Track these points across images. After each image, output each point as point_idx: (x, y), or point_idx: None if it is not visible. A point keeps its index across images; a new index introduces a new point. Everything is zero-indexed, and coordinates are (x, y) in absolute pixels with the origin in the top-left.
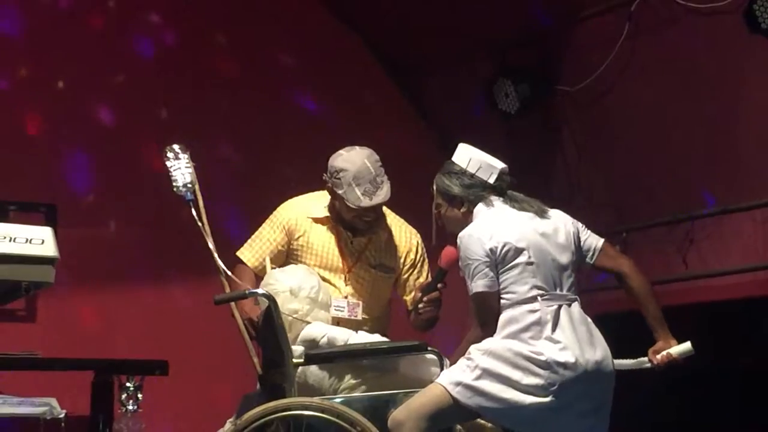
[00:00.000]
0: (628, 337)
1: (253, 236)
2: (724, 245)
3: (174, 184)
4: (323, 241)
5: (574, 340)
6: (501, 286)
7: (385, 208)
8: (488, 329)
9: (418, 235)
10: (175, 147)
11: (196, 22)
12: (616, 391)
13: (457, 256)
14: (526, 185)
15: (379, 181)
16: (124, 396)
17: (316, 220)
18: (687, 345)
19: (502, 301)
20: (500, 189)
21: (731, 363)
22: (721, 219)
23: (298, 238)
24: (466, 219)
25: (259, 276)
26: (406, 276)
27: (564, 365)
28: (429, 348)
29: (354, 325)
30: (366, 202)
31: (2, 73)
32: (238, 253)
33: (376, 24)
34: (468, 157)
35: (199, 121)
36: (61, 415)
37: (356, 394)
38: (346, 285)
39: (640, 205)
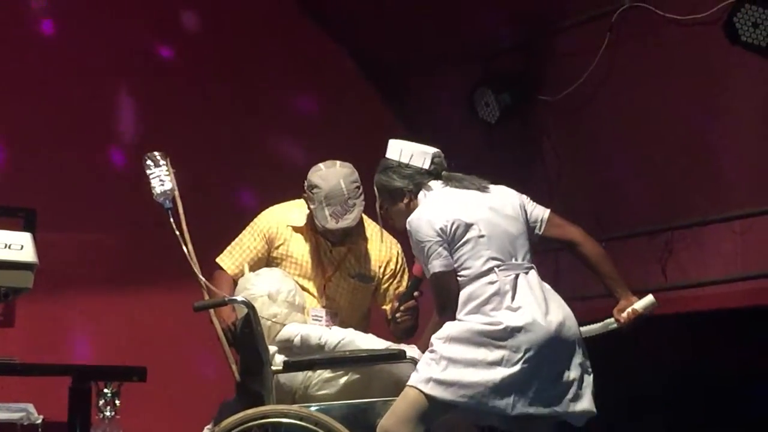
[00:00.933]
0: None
1: (233, 243)
2: (703, 256)
3: (153, 191)
4: (303, 250)
5: (533, 304)
6: (456, 264)
7: (365, 217)
8: (448, 313)
9: (398, 245)
10: (156, 154)
11: (178, 28)
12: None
13: None
14: None
15: (351, 204)
16: (101, 402)
17: (296, 229)
18: (650, 297)
19: (460, 279)
20: (436, 172)
21: (710, 373)
22: (700, 230)
23: (278, 246)
24: (411, 209)
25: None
26: (386, 285)
27: (523, 329)
28: (408, 357)
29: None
30: (331, 225)
31: None
32: (217, 260)
33: (357, 31)
34: (399, 148)
35: (180, 127)
36: (38, 421)
37: (335, 402)
38: (325, 294)
39: (619, 215)
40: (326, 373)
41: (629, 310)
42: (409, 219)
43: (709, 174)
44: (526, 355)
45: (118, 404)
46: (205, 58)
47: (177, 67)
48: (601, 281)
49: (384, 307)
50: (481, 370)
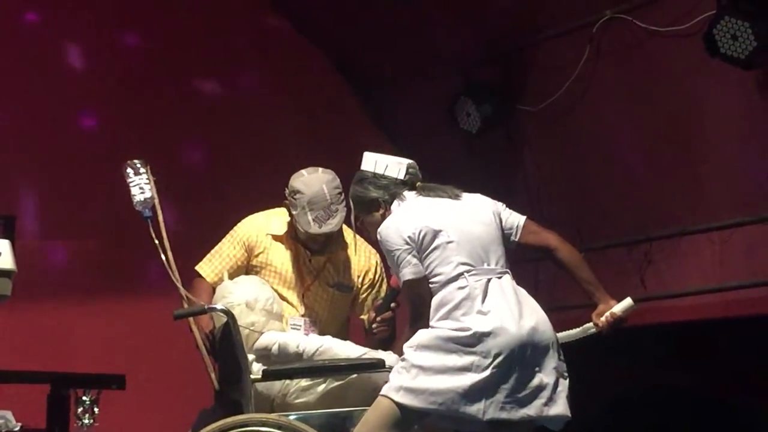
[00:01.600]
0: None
1: (212, 251)
2: (682, 266)
3: (133, 199)
4: (282, 259)
5: (505, 308)
6: (427, 271)
7: (344, 227)
8: (421, 321)
9: (377, 255)
10: (136, 162)
11: (160, 33)
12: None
13: None
14: None
15: (333, 209)
16: (80, 410)
17: (276, 238)
18: (628, 300)
19: (431, 286)
20: (412, 182)
21: (688, 383)
22: (679, 240)
23: (258, 255)
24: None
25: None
26: (364, 295)
27: (492, 333)
28: (387, 365)
29: None
30: (314, 229)
31: None
32: (197, 267)
33: (339, 40)
34: (374, 160)
35: (160, 133)
36: (17, 429)
37: (314, 411)
38: (304, 303)
39: (599, 226)
40: (304, 382)
41: (608, 313)
42: (379, 229)
43: (688, 185)
44: (496, 360)
45: (96, 412)
46: (183, 65)
47: (157, 77)
48: (579, 286)
49: (362, 317)
50: (450, 376)
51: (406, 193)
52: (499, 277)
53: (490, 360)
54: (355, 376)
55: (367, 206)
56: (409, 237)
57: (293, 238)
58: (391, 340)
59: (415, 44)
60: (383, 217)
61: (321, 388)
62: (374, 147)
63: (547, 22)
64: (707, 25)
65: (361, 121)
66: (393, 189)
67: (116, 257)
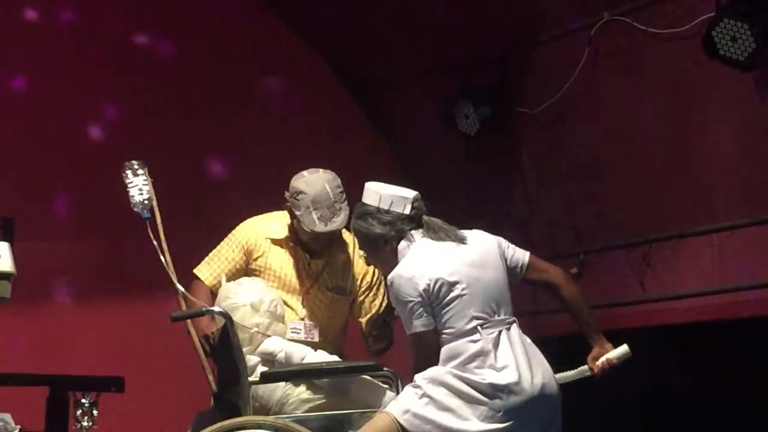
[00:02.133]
0: (568, 360)
1: (210, 254)
2: (681, 269)
3: (131, 201)
4: (281, 263)
5: (515, 364)
6: (441, 323)
7: (343, 230)
8: (429, 366)
9: None
10: (134, 163)
11: (161, 38)
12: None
13: None
14: (485, 206)
15: (337, 207)
16: (79, 412)
17: (275, 241)
18: (624, 348)
19: (442, 337)
20: (417, 217)
21: (687, 385)
22: (678, 243)
23: (257, 258)
24: (393, 258)
25: (215, 294)
26: (362, 298)
27: (507, 389)
28: (384, 369)
29: (310, 347)
30: (320, 228)
31: None
32: (195, 270)
33: (338, 43)
34: (378, 194)
35: (159, 135)
36: (16, 431)
37: (311, 413)
38: (303, 307)
39: (598, 228)
40: (305, 393)
41: (603, 359)
42: (390, 276)
43: (687, 187)
44: (507, 416)
45: (95, 414)
46: (184, 73)
47: (156, 82)
48: (578, 326)
49: (360, 320)
50: (458, 419)
51: (413, 232)
52: (508, 329)
53: (500, 414)
54: (354, 391)
55: (373, 243)
56: (423, 290)
57: (293, 241)
58: (388, 348)
59: (413, 47)
60: (389, 253)
61: (320, 401)
62: (371, 148)
63: (546, 24)
64: (706, 27)
65: (359, 123)
66: (399, 225)
67: (115, 259)
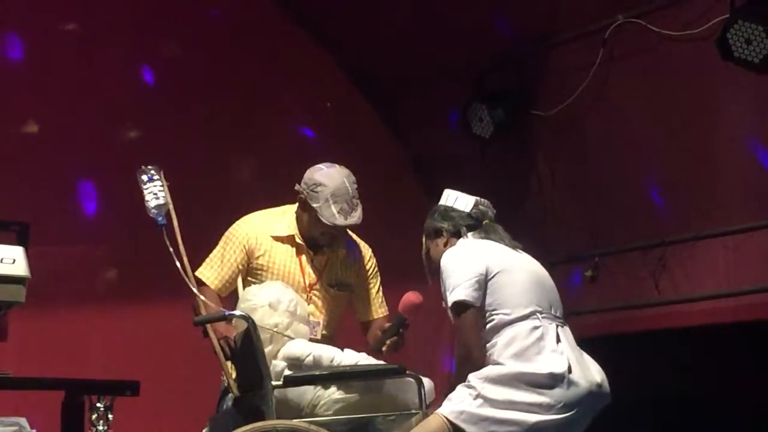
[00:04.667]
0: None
1: (211, 255)
2: (696, 271)
3: (147, 206)
4: (284, 260)
5: (574, 357)
6: (496, 302)
7: None
8: (474, 353)
9: (370, 249)
10: (150, 168)
11: (173, 41)
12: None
13: (414, 303)
14: (500, 209)
15: (355, 203)
16: (94, 416)
17: (277, 239)
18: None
19: (499, 318)
20: (478, 219)
21: (701, 387)
22: (693, 245)
23: (259, 257)
24: (445, 249)
25: (221, 296)
26: (360, 289)
27: (567, 379)
28: (407, 372)
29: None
30: (341, 221)
31: None
32: (197, 273)
33: (352, 46)
34: (452, 196)
35: (173, 138)
36: None
37: (334, 416)
38: (308, 303)
39: (613, 230)
40: (337, 394)
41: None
42: (446, 252)
43: (702, 189)
44: (565, 409)
45: (110, 418)
46: (198, 74)
47: (172, 84)
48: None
49: (369, 318)
50: (517, 412)
51: (470, 233)
52: (563, 326)
53: (560, 406)
54: (385, 389)
55: (432, 235)
56: (481, 265)
57: (300, 236)
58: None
59: (427, 49)
60: (444, 246)
61: (353, 401)
62: (386, 151)
63: (560, 26)
64: (721, 29)
65: (374, 126)
66: (458, 221)
67: (130, 264)
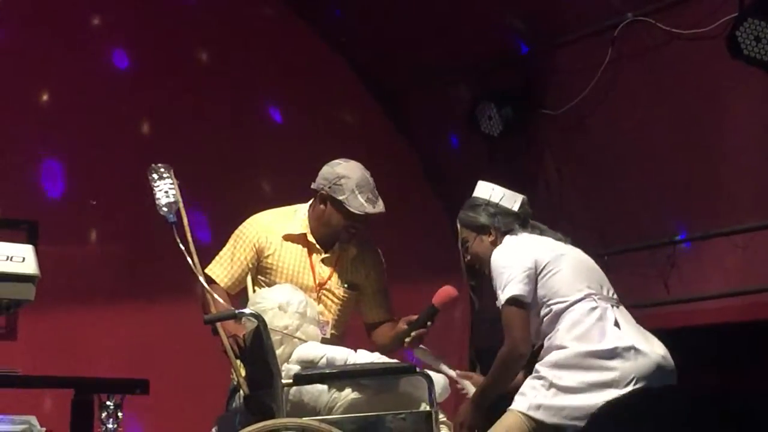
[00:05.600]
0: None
1: (221, 253)
2: (705, 270)
3: (157, 204)
4: (294, 260)
5: (634, 332)
6: (550, 293)
7: None
8: (521, 348)
9: (379, 250)
10: (160, 166)
11: (179, 37)
12: None
13: (452, 297)
14: None
15: (376, 193)
16: (104, 414)
17: (288, 237)
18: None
19: (556, 306)
20: (523, 217)
21: (711, 386)
22: (702, 244)
23: (268, 256)
24: (491, 249)
25: (230, 294)
26: (368, 290)
27: (632, 350)
28: (418, 370)
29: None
30: (370, 209)
31: None
32: (206, 271)
33: (360, 45)
34: (490, 188)
35: (181, 137)
36: None
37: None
38: (318, 303)
39: (621, 229)
40: (352, 395)
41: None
42: (496, 250)
43: (711, 188)
44: (635, 382)
45: (120, 417)
46: (203, 71)
47: (178, 80)
48: None
49: (383, 334)
50: (591, 393)
51: (520, 230)
52: (618, 306)
53: (629, 380)
54: (402, 389)
55: (477, 230)
56: (530, 260)
57: (315, 235)
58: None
59: (437, 48)
60: (492, 243)
61: (368, 400)
62: (394, 150)
63: (569, 25)
64: (730, 27)
65: (383, 124)
66: (505, 219)
67: (139, 262)
